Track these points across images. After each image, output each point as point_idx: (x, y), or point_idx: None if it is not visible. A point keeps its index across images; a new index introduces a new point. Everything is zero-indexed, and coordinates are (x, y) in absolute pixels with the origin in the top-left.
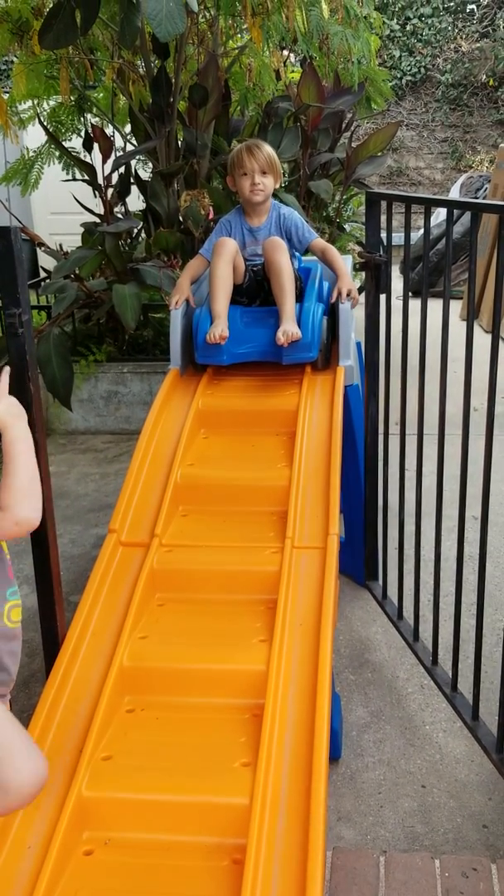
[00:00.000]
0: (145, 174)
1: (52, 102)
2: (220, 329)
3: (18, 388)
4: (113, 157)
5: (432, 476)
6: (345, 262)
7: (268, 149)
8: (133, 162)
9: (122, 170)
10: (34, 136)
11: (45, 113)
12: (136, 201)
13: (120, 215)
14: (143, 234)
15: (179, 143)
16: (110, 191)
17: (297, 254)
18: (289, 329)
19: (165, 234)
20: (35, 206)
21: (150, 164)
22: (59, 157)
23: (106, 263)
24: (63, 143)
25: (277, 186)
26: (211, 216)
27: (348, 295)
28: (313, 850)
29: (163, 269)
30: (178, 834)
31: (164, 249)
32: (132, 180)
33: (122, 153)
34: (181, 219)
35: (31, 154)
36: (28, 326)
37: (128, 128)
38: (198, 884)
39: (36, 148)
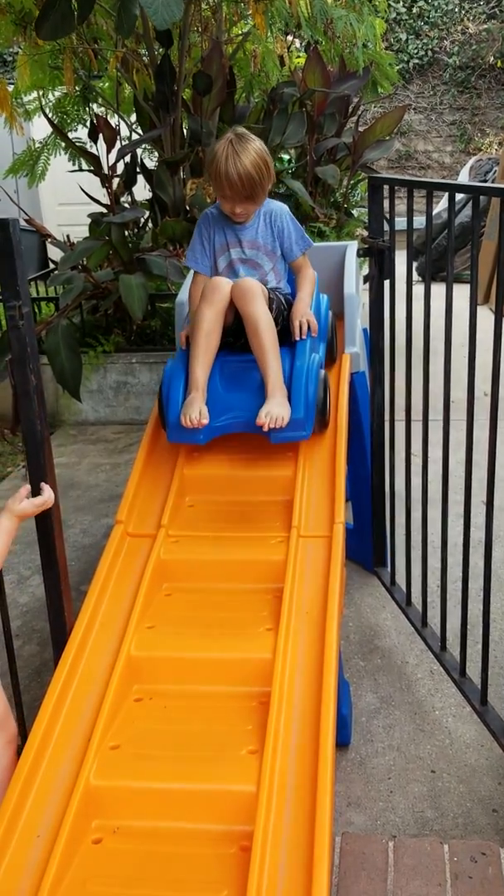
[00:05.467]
0: (152, 163)
1: (56, 93)
2: (197, 410)
3: (20, 380)
4: (118, 147)
5: (440, 462)
6: (313, 287)
7: (248, 163)
8: (139, 151)
9: (127, 159)
10: (40, 127)
11: (50, 104)
12: (143, 191)
13: (126, 205)
14: (149, 224)
15: (185, 131)
16: (116, 181)
17: (287, 272)
18: (273, 411)
19: (171, 222)
20: (43, 197)
21: (156, 153)
22: (64, 148)
23: (113, 254)
24: (69, 133)
25: (270, 187)
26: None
27: (303, 328)
28: (319, 836)
29: (169, 258)
30: (187, 822)
31: (170, 238)
32: (138, 170)
33: (127, 142)
34: (187, 207)
35: (37, 145)
36: (28, 319)
37: (133, 117)
38: (206, 871)
39: (42, 139)
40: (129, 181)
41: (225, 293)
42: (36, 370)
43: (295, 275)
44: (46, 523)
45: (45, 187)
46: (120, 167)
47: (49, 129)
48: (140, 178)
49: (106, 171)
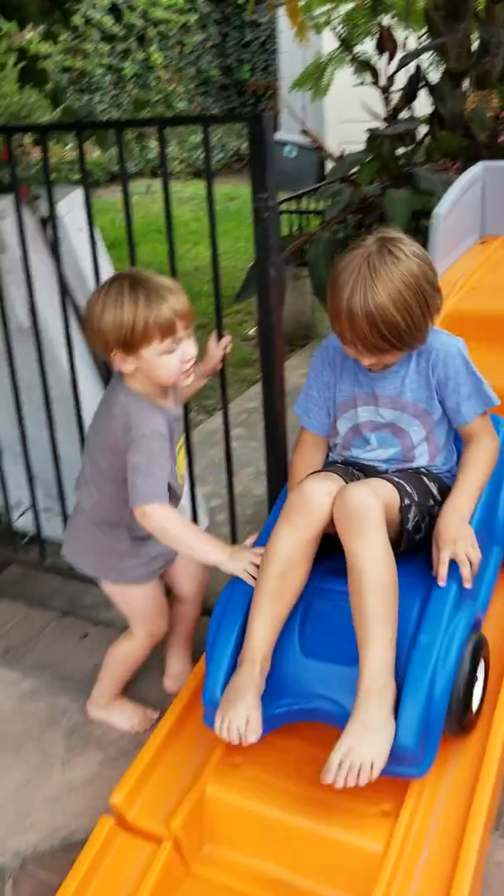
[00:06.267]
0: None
1: (349, 5)
2: (243, 717)
3: (260, 271)
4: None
5: None
6: (488, 473)
7: (388, 297)
8: (425, 65)
9: (412, 71)
10: (329, 41)
11: (339, 17)
12: (427, 107)
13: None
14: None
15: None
16: (396, 95)
17: (452, 435)
18: (356, 752)
19: (447, 136)
20: (328, 114)
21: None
22: (350, 62)
23: (383, 168)
24: (356, 46)
25: (427, 330)
26: (502, 116)
27: (462, 569)
28: None
29: (439, 172)
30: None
31: (444, 154)
32: (421, 83)
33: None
34: (466, 123)
35: (324, 59)
36: (273, 211)
37: (424, 29)
38: None
39: (329, 52)
40: (410, 95)
41: (319, 516)
42: (277, 264)
43: (464, 445)
44: (272, 419)
45: (330, 105)
46: (402, 80)
47: (337, 43)
48: (424, 94)
49: (386, 85)
